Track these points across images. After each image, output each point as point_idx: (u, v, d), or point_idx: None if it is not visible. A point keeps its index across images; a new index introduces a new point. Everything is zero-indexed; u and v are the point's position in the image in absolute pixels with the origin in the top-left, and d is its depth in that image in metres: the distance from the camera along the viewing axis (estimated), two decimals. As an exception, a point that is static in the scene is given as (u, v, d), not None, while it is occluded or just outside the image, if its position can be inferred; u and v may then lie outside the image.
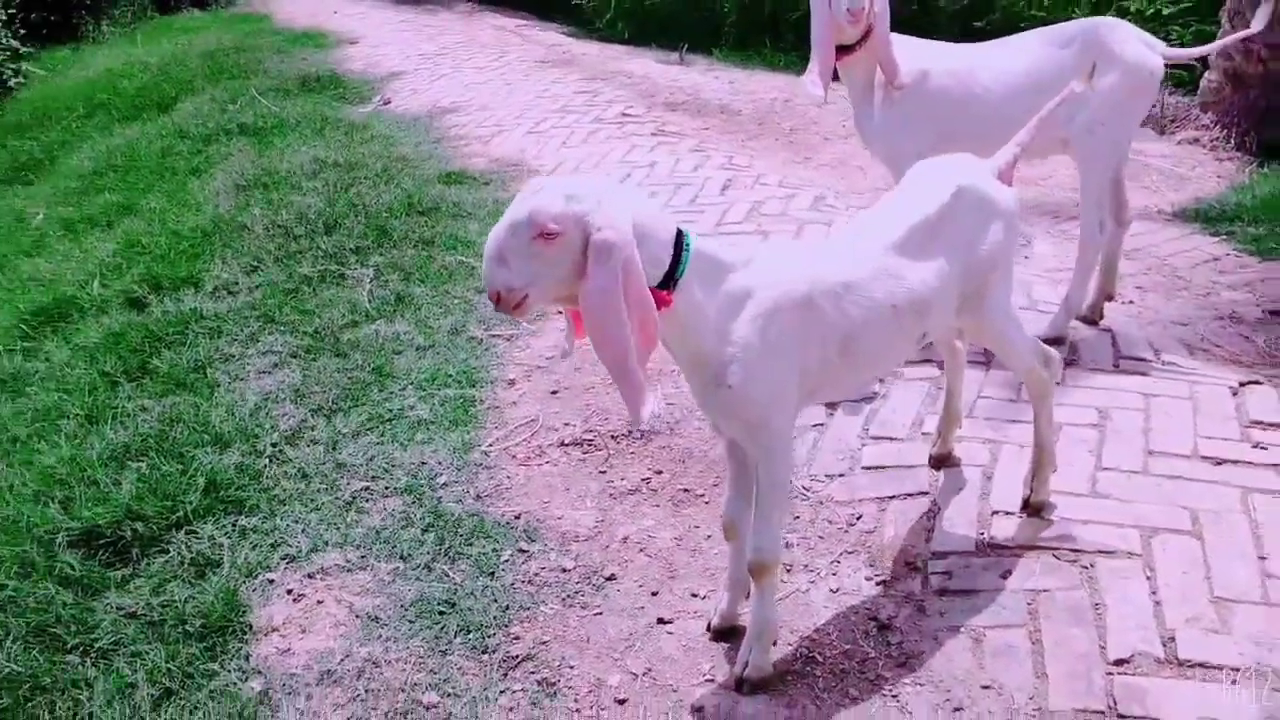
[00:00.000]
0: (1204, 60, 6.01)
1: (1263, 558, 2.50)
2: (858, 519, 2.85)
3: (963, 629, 2.43)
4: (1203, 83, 6.11)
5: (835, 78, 3.35)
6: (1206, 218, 4.79)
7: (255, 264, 4.70)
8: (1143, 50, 3.14)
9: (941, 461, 2.95)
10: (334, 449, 3.35)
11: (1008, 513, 2.74)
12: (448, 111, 7.55)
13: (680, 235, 1.98)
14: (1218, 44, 3.22)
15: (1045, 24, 7.26)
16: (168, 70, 9.62)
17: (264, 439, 3.38)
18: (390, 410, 3.55)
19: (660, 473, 3.18)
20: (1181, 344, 3.59)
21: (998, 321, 2.44)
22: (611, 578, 2.75)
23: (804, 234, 4.69)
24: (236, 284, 4.54)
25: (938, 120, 3.32)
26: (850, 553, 2.74)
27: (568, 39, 10.46)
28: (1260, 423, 3.01)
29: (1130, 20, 7.02)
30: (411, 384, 3.70)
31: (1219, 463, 2.85)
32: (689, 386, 2.27)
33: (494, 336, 4.08)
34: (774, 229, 4.77)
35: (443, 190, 5.60)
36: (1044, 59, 3.20)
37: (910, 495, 2.89)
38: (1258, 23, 3.11)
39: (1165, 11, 6.83)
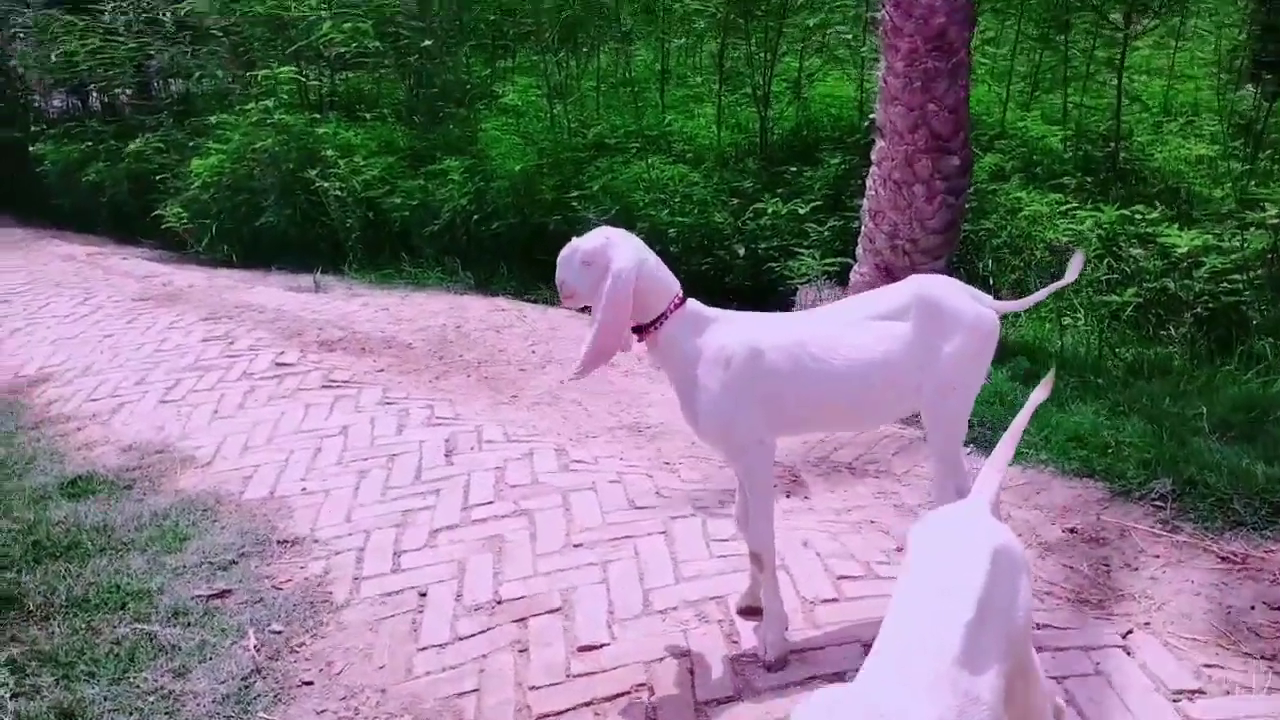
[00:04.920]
0: (853, 254, 6.33)
1: None
2: None
3: None
4: (854, 276, 6.37)
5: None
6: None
7: None
8: (978, 307, 2.98)
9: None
10: None
11: None
12: (37, 382, 5.98)
13: None
14: (1041, 294, 3.16)
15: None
16: None
17: None
18: None
19: None
20: (1023, 588, 3.40)
21: (1040, 694, 1.98)
22: None
23: (572, 508, 4.03)
24: None
25: (770, 399, 2.92)
26: None
27: (162, 267, 9.05)
28: (1183, 692, 2.81)
29: (767, 219, 7.52)
30: None
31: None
32: None
33: (226, 744, 2.91)
34: (536, 506, 4.06)
35: (73, 509, 4.21)
36: (880, 330, 2.92)
37: None
38: (1071, 273, 3.08)
39: (801, 211, 7.24)
